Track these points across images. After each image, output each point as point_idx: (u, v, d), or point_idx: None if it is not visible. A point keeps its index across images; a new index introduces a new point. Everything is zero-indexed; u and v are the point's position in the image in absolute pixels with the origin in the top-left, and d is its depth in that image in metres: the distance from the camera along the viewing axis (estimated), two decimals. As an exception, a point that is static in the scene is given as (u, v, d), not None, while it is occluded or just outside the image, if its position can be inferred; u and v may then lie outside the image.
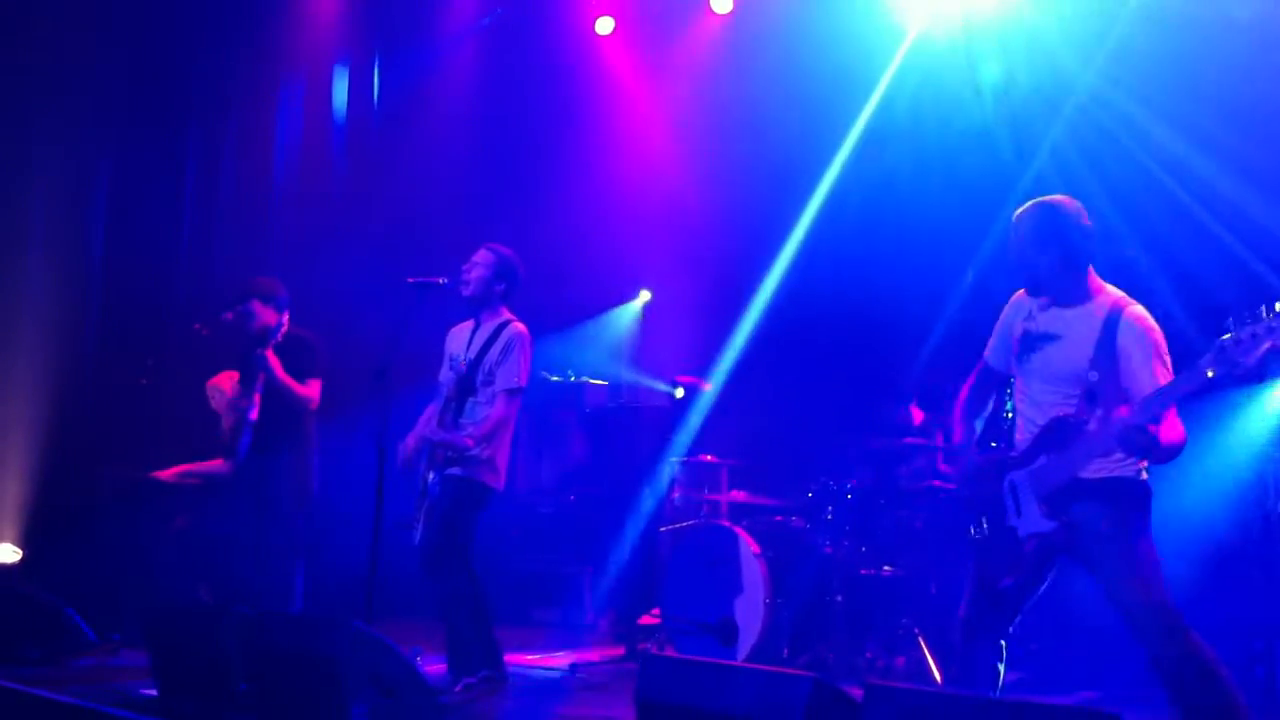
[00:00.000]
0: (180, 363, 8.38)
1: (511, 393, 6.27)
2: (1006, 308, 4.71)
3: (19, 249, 8.67)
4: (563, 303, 10.12)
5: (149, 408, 8.60)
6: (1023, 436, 4.54)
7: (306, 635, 5.09)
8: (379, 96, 10.66)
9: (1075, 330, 4.40)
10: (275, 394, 7.14)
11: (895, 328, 8.64)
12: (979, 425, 4.83)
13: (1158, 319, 4.40)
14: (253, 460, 7.25)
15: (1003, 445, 4.72)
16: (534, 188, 10.40)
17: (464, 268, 6.44)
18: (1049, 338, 4.46)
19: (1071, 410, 4.34)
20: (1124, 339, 4.28)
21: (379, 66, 10.71)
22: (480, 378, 6.29)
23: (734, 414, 8.94)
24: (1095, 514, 4.28)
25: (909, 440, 7.62)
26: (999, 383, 4.86)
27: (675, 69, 10.21)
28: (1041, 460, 4.37)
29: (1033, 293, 4.56)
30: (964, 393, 4.86)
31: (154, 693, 5.77)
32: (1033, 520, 4.36)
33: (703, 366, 9.18)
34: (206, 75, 9.64)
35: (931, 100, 8.69)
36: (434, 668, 6.44)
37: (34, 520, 8.25)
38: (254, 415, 7.20)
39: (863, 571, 7.34)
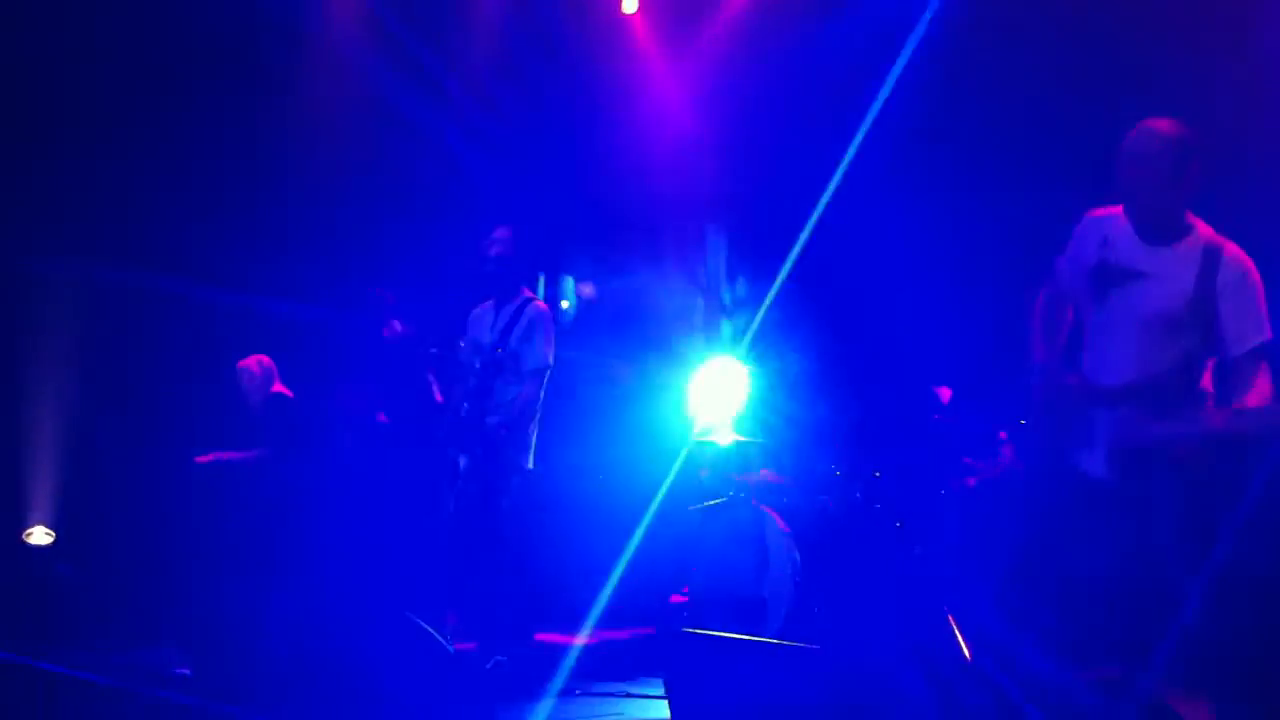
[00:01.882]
0: (212, 345, 8.42)
1: (538, 372, 6.29)
2: (1079, 229, 4.38)
3: (49, 231, 8.73)
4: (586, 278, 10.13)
5: (182, 390, 8.65)
6: (1096, 368, 4.28)
7: (340, 615, 5.13)
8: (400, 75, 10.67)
9: (1171, 269, 4.11)
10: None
11: (923, 304, 8.60)
12: (1060, 340, 4.52)
13: None
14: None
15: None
16: (554, 167, 10.38)
17: (484, 244, 6.45)
18: (1139, 275, 4.15)
19: (1166, 365, 4.11)
20: (1224, 281, 4.04)
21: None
22: (507, 359, 6.30)
23: (763, 392, 8.92)
24: (1160, 482, 4.11)
25: (937, 419, 7.60)
26: (1067, 299, 4.50)
27: (700, 48, 10.17)
28: (1129, 411, 4.14)
29: (1136, 221, 4.20)
30: (1039, 309, 4.52)
31: (187, 672, 5.82)
32: (1094, 463, 4.17)
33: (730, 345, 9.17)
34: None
35: (956, 76, 8.62)
36: (465, 646, 6.47)
37: (67, 502, 8.32)
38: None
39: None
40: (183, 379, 8.73)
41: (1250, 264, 4.09)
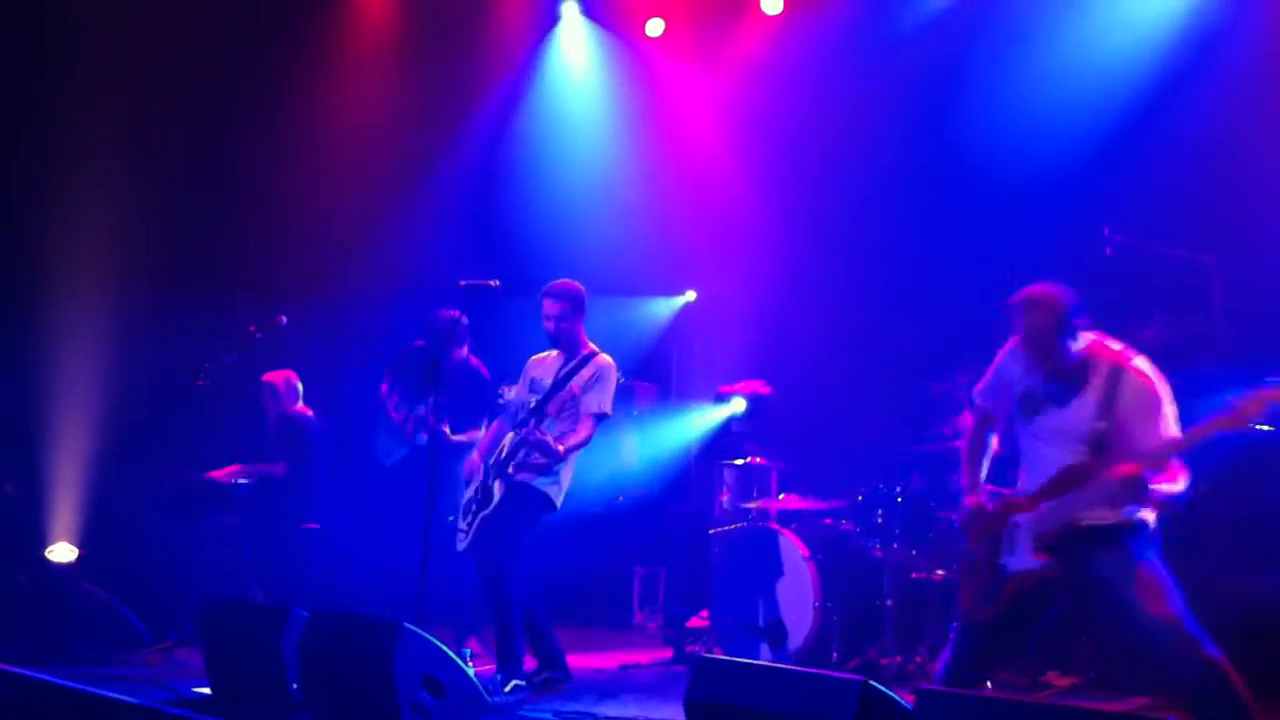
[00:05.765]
0: (236, 364, 8.46)
1: (596, 418, 6.40)
2: (1003, 355, 4.83)
3: (75, 250, 8.80)
4: (612, 303, 10.13)
5: (204, 409, 8.70)
6: (1025, 484, 4.70)
7: (359, 637, 5.13)
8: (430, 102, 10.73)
9: (1080, 391, 4.55)
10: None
11: (948, 330, 8.58)
12: (985, 465, 4.95)
13: None
14: None
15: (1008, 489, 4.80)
16: (584, 189, 10.41)
17: (544, 318, 6.56)
18: (1053, 399, 4.60)
19: (1080, 459, 4.48)
20: (1128, 396, 4.45)
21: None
22: (554, 404, 6.39)
23: (784, 416, 8.91)
24: (1097, 560, 4.42)
25: (960, 443, 7.55)
26: (995, 423, 4.97)
27: (726, 70, 10.20)
28: (1046, 505, 4.52)
29: (1038, 365, 4.65)
30: (966, 436, 5.04)
31: (207, 691, 5.83)
32: (1023, 558, 4.51)
33: (753, 369, 9.15)
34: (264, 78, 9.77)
35: (989, 98, 8.60)
36: (484, 668, 6.47)
37: (91, 519, 8.35)
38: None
39: (913, 575, 7.30)
40: (208, 396, 8.78)
41: (1149, 379, 4.48)
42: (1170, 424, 4.42)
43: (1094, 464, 4.41)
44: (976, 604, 4.59)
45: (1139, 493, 4.30)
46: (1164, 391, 4.45)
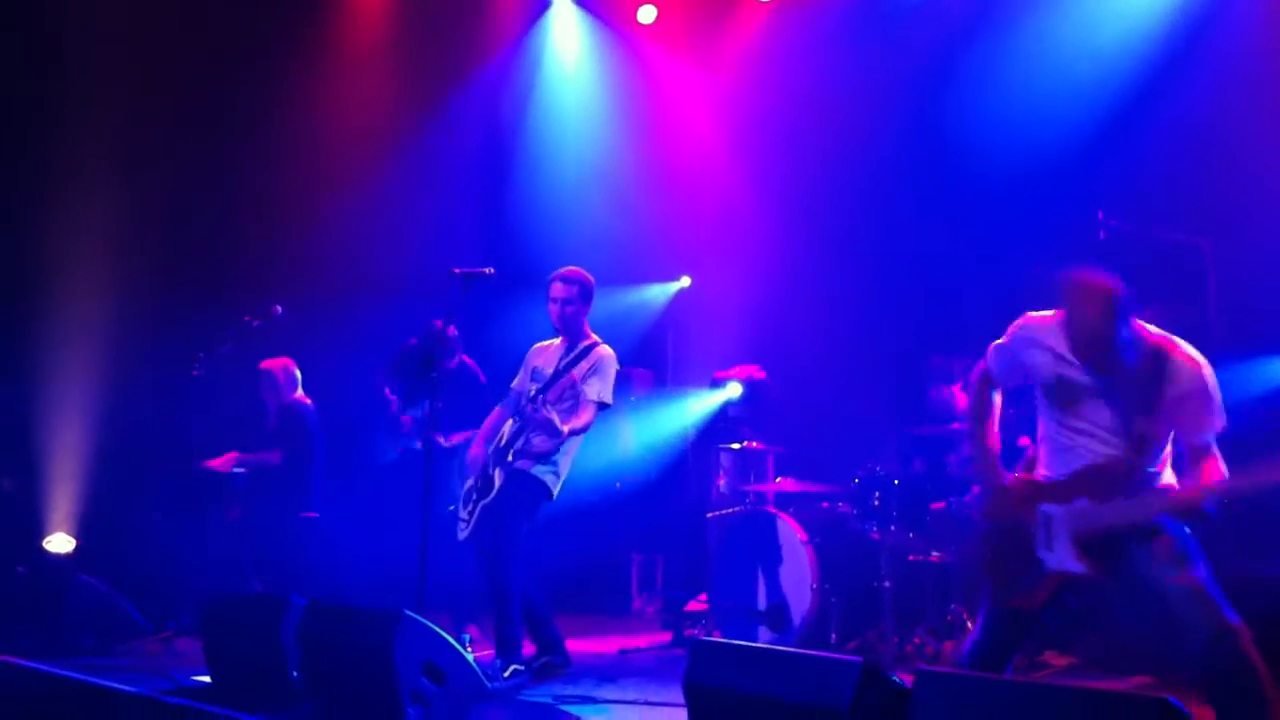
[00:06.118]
0: (232, 354, 8.46)
1: (597, 406, 6.44)
2: (1021, 332, 4.56)
3: (73, 243, 8.79)
4: (606, 290, 10.13)
5: (200, 399, 8.70)
6: (1049, 469, 4.51)
7: (359, 625, 5.14)
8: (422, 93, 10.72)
9: (1124, 381, 4.32)
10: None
11: (943, 314, 8.60)
12: (991, 428, 4.75)
13: None
14: None
15: (1019, 471, 4.67)
16: (577, 177, 10.41)
17: (550, 301, 6.58)
18: (1097, 390, 4.37)
19: (1118, 454, 4.32)
20: (1176, 384, 4.26)
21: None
22: (554, 392, 6.41)
23: (780, 401, 8.93)
24: (1132, 558, 4.27)
25: (957, 426, 7.57)
26: (998, 387, 4.75)
27: (718, 57, 10.19)
28: (1082, 502, 4.33)
29: (1082, 354, 4.37)
30: (970, 398, 4.82)
31: (207, 680, 5.84)
32: (1064, 558, 4.34)
33: (749, 354, 9.16)
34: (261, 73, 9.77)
35: (983, 82, 8.60)
36: (483, 654, 6.49)
37: (88, 510, 8.35)
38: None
39: (911, 558, 7.32)
40: (205, 386, 8.78)
41: (1199, 364, 4.27)
42: (1220, 414, 4.23)
43: (1135, 462, 4.26)
44: (1014, 595, 4.44)
45: (1194, 521, 4.17)
46: (1211, 378, 4.25)
